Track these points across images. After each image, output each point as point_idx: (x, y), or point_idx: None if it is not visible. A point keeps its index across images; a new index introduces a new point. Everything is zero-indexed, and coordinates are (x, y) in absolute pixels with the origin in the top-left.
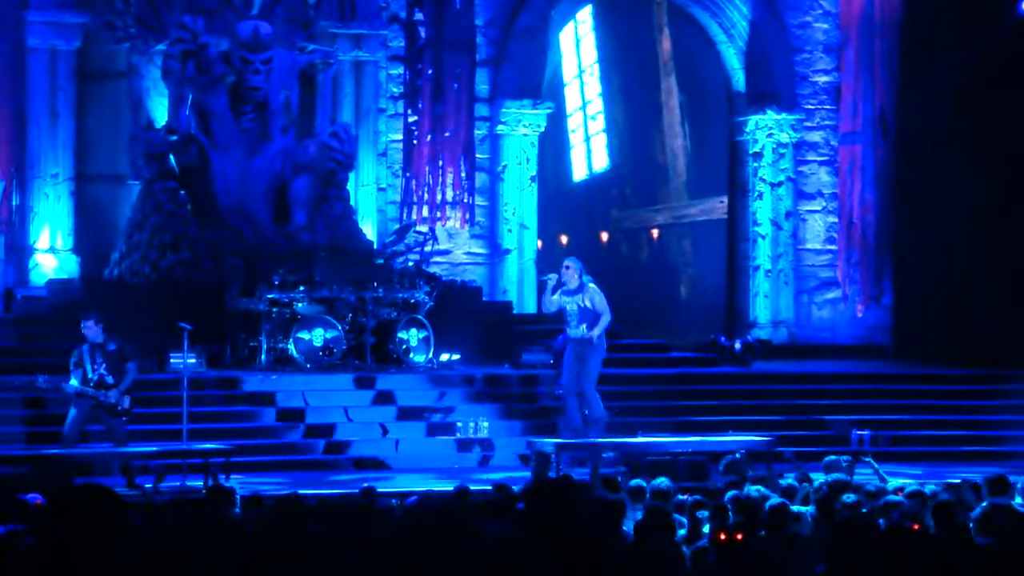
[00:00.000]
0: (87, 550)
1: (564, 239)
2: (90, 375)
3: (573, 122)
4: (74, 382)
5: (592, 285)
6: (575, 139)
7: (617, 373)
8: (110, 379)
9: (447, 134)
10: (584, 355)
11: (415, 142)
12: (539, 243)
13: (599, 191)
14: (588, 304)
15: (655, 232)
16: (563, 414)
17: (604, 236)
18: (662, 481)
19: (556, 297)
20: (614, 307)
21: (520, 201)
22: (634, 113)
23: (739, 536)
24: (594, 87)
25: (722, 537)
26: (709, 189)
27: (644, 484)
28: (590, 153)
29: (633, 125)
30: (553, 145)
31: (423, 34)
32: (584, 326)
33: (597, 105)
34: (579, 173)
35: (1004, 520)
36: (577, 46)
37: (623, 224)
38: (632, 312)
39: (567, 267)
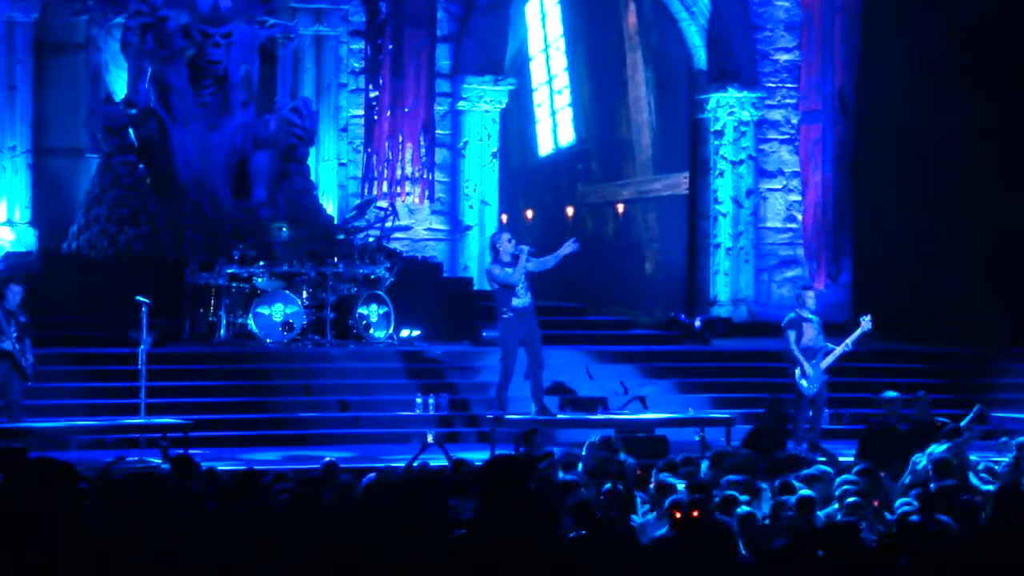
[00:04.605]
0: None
1: (529, 214)
2: (11, 339)
3: (539, 96)
4: (7, 344)
5: (523, 247)
6: (541, 114)
7: (579, 350)
8: (18, 346)
9: (406, 109)
10: (534, 324)
11: (376, 117)
12: (504, 217)
13: (565, 166)
14: (531, 267)
15: (620, 207)
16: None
17: (570, 211)
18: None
19: (509, 270)
20: (579, 282)
21: (481, 177)
22: (600, 88)
23: (695, 513)
24: (560, 61)
25: (677, 515)
26: (674, 164)
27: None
28: (556, 128)
29: (599, 100)
30: (519, 120)
31: (383, 8)
32: (530, 292)
33: (563, 80)
34: (545, 148)
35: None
36: (543, 20)
37: (589, 199)
38: (597, 287)
39: (511, 239)
